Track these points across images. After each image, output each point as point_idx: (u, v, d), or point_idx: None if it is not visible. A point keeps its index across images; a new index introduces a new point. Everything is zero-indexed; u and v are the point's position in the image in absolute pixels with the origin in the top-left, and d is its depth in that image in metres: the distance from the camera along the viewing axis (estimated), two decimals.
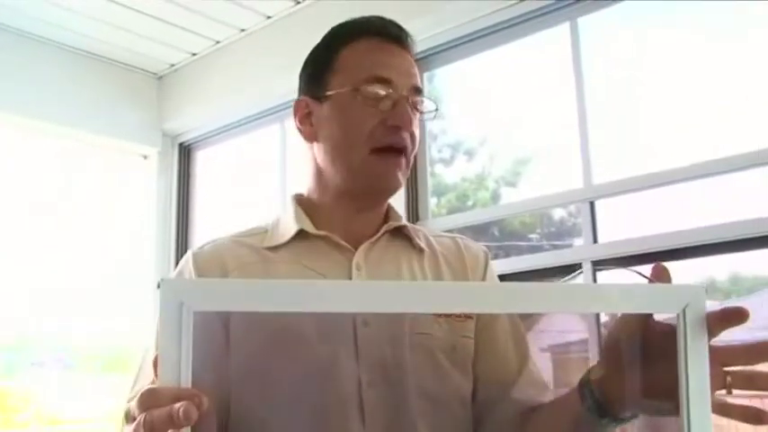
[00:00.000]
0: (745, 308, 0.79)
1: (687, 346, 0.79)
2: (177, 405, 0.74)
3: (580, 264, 2.66)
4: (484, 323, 1.19)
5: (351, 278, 1.14)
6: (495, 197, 3.26)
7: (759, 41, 2.42)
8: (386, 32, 1.19)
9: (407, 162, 1.17)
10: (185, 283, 0.77)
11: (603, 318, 2.61)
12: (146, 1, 3.48)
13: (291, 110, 1.24)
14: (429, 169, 3.24)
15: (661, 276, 0.86)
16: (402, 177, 1.17)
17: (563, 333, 3.02)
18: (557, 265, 2.77)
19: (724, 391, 0.82)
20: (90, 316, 3.84)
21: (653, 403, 0.90)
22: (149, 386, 0.78)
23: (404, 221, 1.24)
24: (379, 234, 1.20)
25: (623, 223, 2.71)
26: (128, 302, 3.95)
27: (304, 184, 1.26)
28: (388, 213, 1.25)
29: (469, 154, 3.39)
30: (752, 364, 0.81)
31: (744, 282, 2.56)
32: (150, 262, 4.10)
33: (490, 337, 1.19)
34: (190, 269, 1.15)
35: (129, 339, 3.83)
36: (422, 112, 1.19)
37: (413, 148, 1.17)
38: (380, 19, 1.22)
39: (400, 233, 1.23)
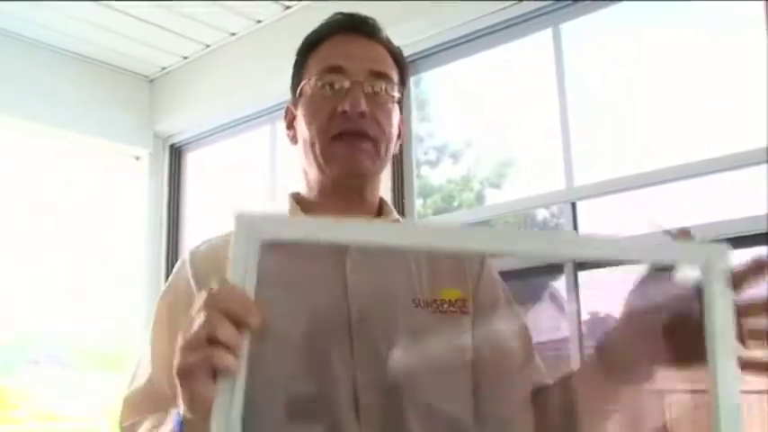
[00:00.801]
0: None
1: (713, 300, 0.79)
2: (248, 302, 0.77)
3: (562, 264, 2.72)
4: (484, 322, 1.18)
5: (345, 277, 1.12)
6: (480, 198, 3.31)
7: (736, 46, 2.48)
8: (347, 26, 1.21)
9: (375, 147, 1.17)
10: (258, 215, 0.80)
11: (585, 316, 2.68)
12: (138, 5, 3.52)
13: (283, 114, 1.28)
14: (415, 171, 3.29)
15: (686, 236, 0.87)
16: (368, 161, 1.16)
17: (545, 331, 3.08)
18: (539, 264, 2.83)
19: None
20: (83, 315, 3.88)
21: (670, 360, 0.92)
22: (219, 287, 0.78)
23: (396, 216, 1.25)
24: None
25: (604, 224, 2.78)
26: (120, 301, 3.99)
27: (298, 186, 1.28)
28: (382, 210, 1.25)
29: (455, 156, 3.45)
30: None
31: None
32: (142, 262, 4.14)
33: (493, 336, 1.19)
34: (187, 269, 1.15)
35: (121, 338, 3.87)
36: (377, 93, 1.17)
37: (380, 133, 1.17)
38: (345, 15, 1.23)
39: None
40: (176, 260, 1.25)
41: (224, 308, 0.75)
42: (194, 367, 0.75)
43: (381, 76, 1.18)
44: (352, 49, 1.19)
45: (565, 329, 2.75)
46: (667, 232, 0.88)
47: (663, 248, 0.84)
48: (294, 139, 1.24)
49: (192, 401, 0.77)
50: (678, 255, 0.83)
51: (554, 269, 2.78)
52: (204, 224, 4.10)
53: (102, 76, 4.11)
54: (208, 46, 3.94)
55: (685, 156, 2.49)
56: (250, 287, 0.78)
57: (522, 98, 3.11)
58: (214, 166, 4.29)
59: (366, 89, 1.16)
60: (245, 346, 0.75)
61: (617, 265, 0.91)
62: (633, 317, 0.95)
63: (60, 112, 3.87)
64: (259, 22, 3.68)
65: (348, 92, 1.15)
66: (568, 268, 2.70)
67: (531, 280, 2.92)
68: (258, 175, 3.90)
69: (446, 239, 0.83)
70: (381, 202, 1.26)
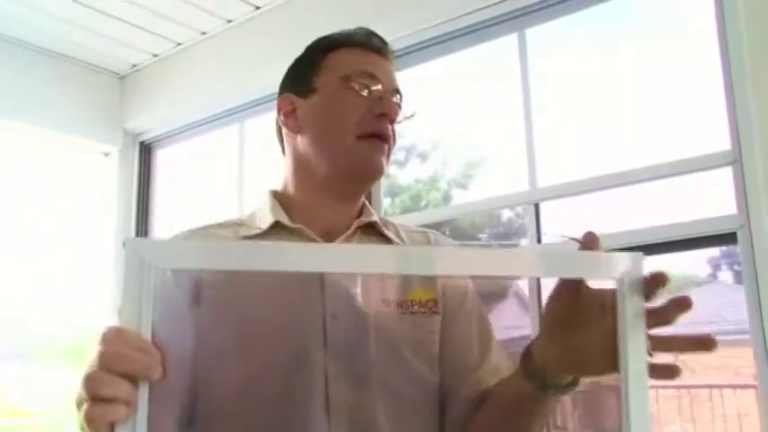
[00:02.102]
0: (665, 273, 0.85)
1: (626, 310, 0.82)
2: (141, 355, 0.77)
3: None
4: (450, 318, 1.21)
5: (323, 277, 1.14)
6: (447, 198, 3.37)
7: (697, 53, 2.55)
8: (370, 43, 1.25)
9: (389, 154, 1.21)
10: (148, 242, 0.77)
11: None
12: (109, 2, 3.52)
13: (278, 103, 1.28)
14: None
15: (592, 243, 0.90)
16: (385, 164, 1.20)
17: (509, 329, 3.14)
18: None
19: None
20: (50, 310, 3.88)
21: (589, 364, 0.93)
22: (115, 325, 0.78)
23: (375, 217, 1.26)
24: (351, 230, 1.21)
25: (566, 224, 2.84)
26: (87, 297, 3.99)
27: (280, 179, 1.29)
28: (363, 209, 1.27)
29: (423, 157, 3.51)
30: (663, 325, 0.85)
31: (675, 281, 2.70)
32: (110, 258, 4.14)
33: (456, 331, 1.21)
34: None
35: (87, 333, 3.87)
36: (398, 106, 1.24)
37: (394, 142, 1.22)
38: (364, 30, 1.27)
39: (373, 229, 1.24)
40: None
41: (110, 368, 0.76)
42: (90, 420, 0.77)
43: (399, 93, 1.25)
44: (382, 63, 1.24)
45: (528, 326, 2.80)
46: (577, 241, 0.90)
47: (579, 260, 0.86)
48: (297, 129, 1.24)
49: None
50: (594, 266, 0.85)
51: None
52: (172, 221, 4.12)
53: (73, 72, 4.10)
54: (179, 44, 3.95)
55: (647, 158, 2.55)
56: (146, 325, 0.77)
57: (488, 101, 3.16)
58: (183, 164, 4.31)
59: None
60: (138, 396, 0.77)
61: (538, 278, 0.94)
62: (551, 324, 0.98)
63: (30, 107, 3.86)
64: (230, 21, 3.69)
65: (384, 96, 1.20)
66: None
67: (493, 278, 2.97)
68: (227, 173, 3.92)
69: (353, 262, 0.83)
70: (363, 202, 1.28)
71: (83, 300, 3.99)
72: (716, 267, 2.71)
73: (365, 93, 1.20)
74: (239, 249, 0.82)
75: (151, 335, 0.78)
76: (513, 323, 3.09)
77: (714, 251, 2.55)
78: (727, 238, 2.34)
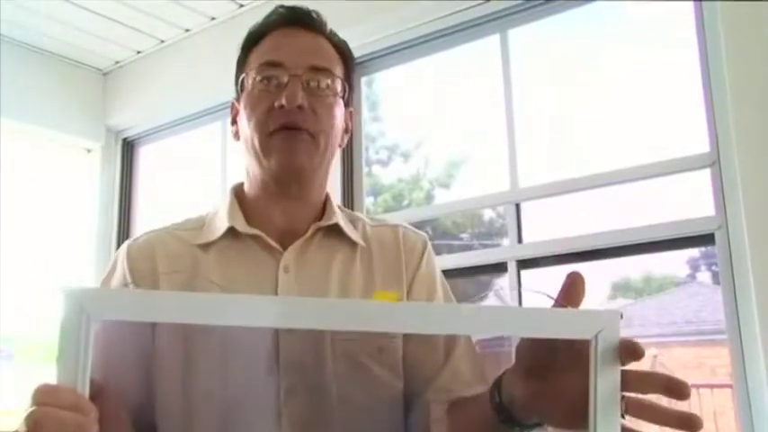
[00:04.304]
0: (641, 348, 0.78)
1: (598, 371, 0.78)
2: (74, 415, 0.72)
3: (506, 263, 2.81)
4: None
5: (277, 280, 1.11)
6: (429, 197, 3.37)
7: (677, 56, 2.58)
8: (288, 18, 1.19)
9: (314, 141, 1.13)
10: (88, 291, 0.72)
11: None
12: None
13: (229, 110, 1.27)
14: (366, 169, 3.34)
15: (574, 285, 0.85)
16: (304, 155, 1.13)
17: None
18: (485, 263, 2.90)
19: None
20: (31, 308, 3.86)
21: (557, 414, 0.88)
22: (48, 382, 0.74)
23: (336, 219, 1.20)
24: (309, 233, 1.16)
25: (547, 224, 2.86)
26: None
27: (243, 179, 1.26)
28: (325, 209, 1.21)
29: (405, 156, 3.51)
30: (642, 392, 0.80)
31: (655, 281, 2.74)
32: (91, 255, 4.13)
33: (417, 336, 1.15)
34: (123, 260, 1.15)
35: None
36: (317, 87, 1.14)
37: (319, 127, 1.13)
38: (287, 8, 1.20)
39: (334, 231, 1.19)
40: None
41: (45, 419, 0.72)
42: None
43: (322, 70, 1.15)
44: (292, 42, 1.16)
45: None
46: (553, 299, 0.86)
47: (555, 318, 0.82)
48: (237, 135, 1.22)
49: None
50: (570, 324, 0.81)
51: (499, 267, 2.85)
52: (154, 218, 4.10)
53: (55, 68, 4.09)
54: (162, 41, 3.95)
55: (628, 160, 2.58)
56: (83, 379, 0.74)
57: (470, 101, 3.18)
58: (166, 161, 4.30)
59: (305, 83, 1.13)
60: None
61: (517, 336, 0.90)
62: (523, 364, 0.92)
63: (12, 103, 3.83)
64: (213, 18, 3.70)
65: (286, 86, 1.12)
66: (512, 266, 2.78)
67: (475, 278, 2.98)
68: (209, 170, 3.91)
69: (297, 318, 0.79)
70: (326, 200, 1.23)
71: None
72: (695, 268, 2.74)
73: (268, 87, 1.13)
74: (180, 300, 0.79)
75: (89, 387, 0.75)
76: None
77: (693, 252, 2.58)
78: (706, 239, 2.37)
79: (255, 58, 1.18)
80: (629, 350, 0.78)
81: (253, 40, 1.20)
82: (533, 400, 0.90)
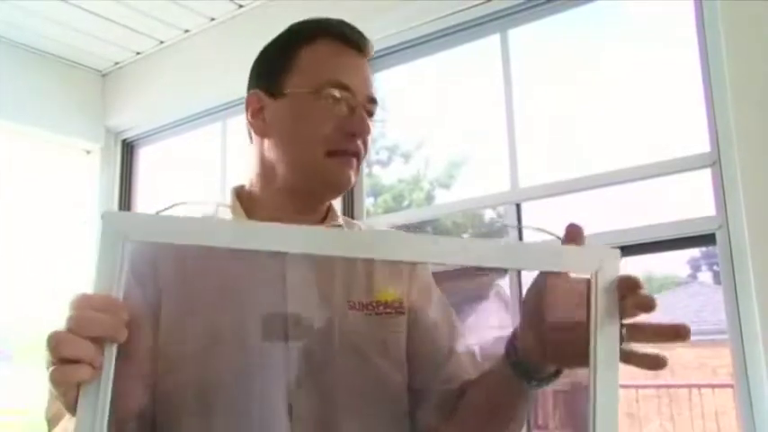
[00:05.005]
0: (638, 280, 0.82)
1: (598, 305, 0.81)
2: (106, 317, 0.76)
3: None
4: (415, 316, 1.19)
5: (285, 280, 1.11)
6: (430, 198, 3.38)
7: (677, 55, 2.57)
8: (347, 37, 1.18)
9: (359, 166, 1.17)
10: (124, 214, 0.77)
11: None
12: (92, 0, 3.52)
13: (246, 101, 1.21)
14: (366, 170, 3.34)
15: (575, 236, 0.88)
16: (354, 179, 1.16)
17: (491, 329, 3.15)
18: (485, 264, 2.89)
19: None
20: (30, 309, 3.85)
21: (568, 357, 0.93)
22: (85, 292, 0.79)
23: (340, 221, 1.23)
24: None
25: (548, 225, 2.85)
26: (68, 296, 3.97)
27: (246, 176, 1.23)
28: (328, 213, 1.23)
29: (406, 157, 3.52)
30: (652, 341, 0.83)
31: (655, 281, 2.73)
32: (92, 256, 4.12)
33: (423, 327, 1.19)
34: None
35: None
36: (370, 117, 1.17)
37: (365, 153, 1.17)
38: (341, 22, 1.20)
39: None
40: None
41: (75, 331, 0.77)
42: (55, 381, 0.78)
43: (374, 101, 1.18)
44: (356, 68, 1.17)
45: (509, 325, 2.82)
46: (557, 237, 0.89)
47: (557, 254, 0.85)
48: (263, 133, 1.19)
49: (67, 408, 0.80)
50: (569, 259, 0.84)
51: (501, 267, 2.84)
52: None
53: (55, 69, 4.08)
54: (161, 42, 3.95)
55: (628, 160, 2.57)
56: (118, 290, 0.78)
57: (471, 101, 3.17)
58: (165, 162, 4.29)
59: (366, 112, 1.16)
60: (104, 357, 0.77)
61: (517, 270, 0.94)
62: (531, 315, 0.97)
63: (11, 104, 3.84)
64: (213, 19, 3.69)
65: (353, 113, 1.14)
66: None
67: (476, 278, 2.99)
68: (209, 171, 3.91)
69: (327, 245, 0.82)
70: (329, 206, 1.25)
71: (64, 298, 3.96)
72: (696, 268, 2.75)
73: (337, 107, 1.13)
74: (212, 225, 0.83)
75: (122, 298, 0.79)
76: (495, 323, 3.10)
77: (694, 252, 2.58)
78: (707, 239, 2.36)
79: (315, 67, 1.16)
80: (628, 283, 0.82)
81: (301, 39, 1.18)
82: (546, 348, 0.95)
